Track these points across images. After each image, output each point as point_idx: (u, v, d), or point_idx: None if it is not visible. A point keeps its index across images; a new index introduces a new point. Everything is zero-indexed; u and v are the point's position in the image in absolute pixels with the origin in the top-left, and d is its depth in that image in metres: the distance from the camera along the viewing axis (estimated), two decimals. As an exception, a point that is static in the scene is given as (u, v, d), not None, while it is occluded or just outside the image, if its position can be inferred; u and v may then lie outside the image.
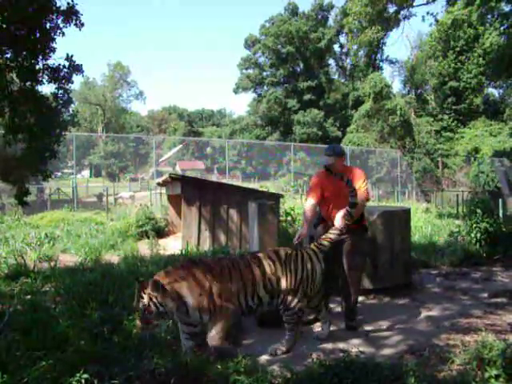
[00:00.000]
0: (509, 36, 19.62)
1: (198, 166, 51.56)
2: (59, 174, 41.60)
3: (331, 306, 5.21)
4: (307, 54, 48.82)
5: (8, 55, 6.00)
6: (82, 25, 6.18)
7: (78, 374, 3.15)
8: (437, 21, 33.61)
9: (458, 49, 36.55)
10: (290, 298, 3.99)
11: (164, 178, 11.51)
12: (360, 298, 5.11)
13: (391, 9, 23.07)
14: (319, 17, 50.90)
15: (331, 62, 53.48)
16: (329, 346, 4.22)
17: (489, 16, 20.80)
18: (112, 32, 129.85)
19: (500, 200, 12.73)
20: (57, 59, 6.13)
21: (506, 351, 3.40)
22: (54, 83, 6.16)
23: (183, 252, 7.95)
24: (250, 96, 54.59)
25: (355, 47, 47.25)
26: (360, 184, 4.54)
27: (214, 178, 35.11)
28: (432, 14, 25.18)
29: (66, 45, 6.43)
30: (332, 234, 4.27)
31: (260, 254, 4.12)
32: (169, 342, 3.98)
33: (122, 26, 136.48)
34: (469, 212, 8.59)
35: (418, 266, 7.25)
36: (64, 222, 13.78)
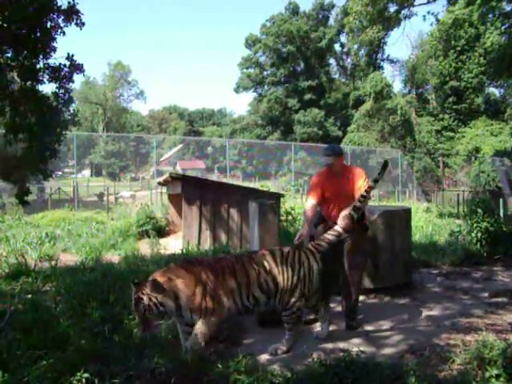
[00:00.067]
0: (510, 35, 19.62)
1: (198, 166, 51.61)
2: (60, 173, 41.61)
3: (332, 305, 5.20)
4: (308, 54, 48.83)
5: (9, 54, 6.01)
6: (83, 24, 6.18)
7: (78, 373, 3.15)
8: (438, 20, 33.61)
9: (458, 48, 36.55)
10: (287, 297, 3.98)
11: (164, 177, 11.51)
12: (360, 298, 5.11)
13: (392, 8, 23.07)
14: (320, 16, 50.94)
15: (332, 61, 53.58)
16: (329, 345, 4.22)
17: (490, 15, 20.77)
18: (113, 31, 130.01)
19: (501, 199, 12.73)
20: (57, 58, 6.15)
21: (507, 351, 3.40)
22: (55, 82, 6.17)
23: (184, 251, 7.95)
24: (250, 95, 54.95)
25: (356, 47, 47.33)
26: (361, 183, 4.53)
27: (214, 177, 35.08)
28: (433, 14, 25.20)
29: (67, 44, 6.43)
30: (330, 235, 4.26)
31: (256, 255, 4.11)
32: (169, 342, 3.98)
33: (123, 25, 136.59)
34: (469, 211, 8.58)
35: (418, 265, 7.24)
36: (65, 222, 13.80)
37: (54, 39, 6.06)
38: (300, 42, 48.02)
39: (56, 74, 6.10)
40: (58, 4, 6.04)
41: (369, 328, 4.71)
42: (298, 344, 4.12)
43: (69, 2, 6.03)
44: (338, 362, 3.47)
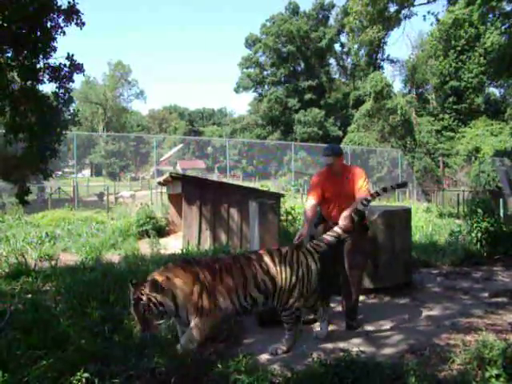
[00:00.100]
0: (510, 35, 19.62)
1: (198, 166, 51.62)
2: (60, 173, 41.63)
3: (332, 305, 5.21)
4: (308, 54, 48.84)
5: (9, 54, 6.01)
6: (83, 24, 6.18)
7: (78, 373, 3.15)
8: (438, 20, 33.59)
9: (458, 48, 36.55)
10: (285, 298, 3.98)
11: (165, 177, 11.51)
12: (360, 298, 5.11)
13: (392, 8, 23.07)
14: (320, 16, 50.96)
15: (332, 61, 53.60)
16: (329, 345, 4.22)
17: (490, 15, 20.78)
18: (113, 31, 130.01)
19: (501, 199, 12.71)
20: (58, 58, 6.14)
21: (507, 351, 3.40)
22: (55, 82, 6.16)
23: (184, 251, 7.95)
24: (250, 95, 55.00)
25: (356, 46, 47.38)
26: (361, 183, 4.53)
27: (214, 177, 35.08)
28: (433, 14, 25.22)
29: (67, 44, 6.43)
30: (329, 236, 4.26)
31: (254, 255, 4.10)
32: (169, 342, 3.98)
33: (123, 25, 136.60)
34: (469, 211, 8.57)
35: (418, 265, 7.24)
36: (65, 221, 13.80)
37: (54, 39, 6.05)
38: (300, 42, 48.02)
39: (56, 73, 6.09)
40: (58, 4, 6.04)
41: (369, 328, 4.71)
42: (297, 344, 4.12)
43: (69, 2, 6.03)
44: (338, 361, 3.47)
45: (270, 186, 17.60)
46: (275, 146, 40.62)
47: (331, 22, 51.51)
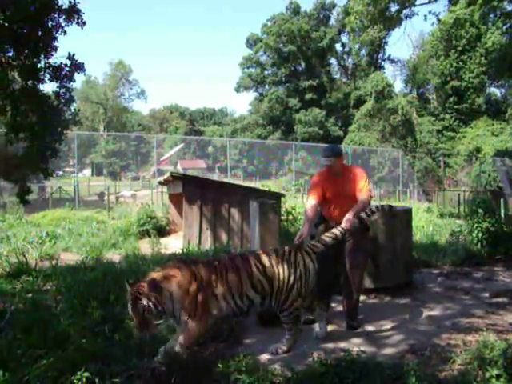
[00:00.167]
0: (511, 35, 19.60)
1: (199, 165, 51.64)
2: (61, 172, 41.70)
3: (332, 305, 5.20)
4: (309, 53, 48.83)
5: (10, 53, 6.02)
6: (84, 23, 6.19)
7: (79, 373, 3.15)
8: (439, 20, 33.56)
9: (459, 48, 36.52)
10: (283, 298, 3.97)
11: (165, 176, 11.52)
12: (361, 298, 5.10)
13: (393, 8, 23.05)
14: (321, 16, 50.97)
15: (333, 61, 53.61)
16: (330, 345, 4.21)
17: (491, 15, 20.78)
18: (114, 31, 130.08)
19: (502, 200, 12.71)
20: (59, 58, 6.16)
21: (508, 351, 3.40)
22: (56, 82, 6.18)
23: (184, 251, 7.95)
24: (251, 95, 54.96)
25: (357, 46, 47.39)
26: (362, 184, 4.53)
27: (215, 176, 35.09)
28: (434, 14, 25.23)
29: (68, 43, 6.43)
30: (327, 237, 4.27)
31: (251, 255, 4.08)
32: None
33: (124, 25, 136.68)
34: (470, 212, 8.57)
35: (419, 265, 7.23)
36: (65, 221, 13.80)
37: (55, 38, 6.07)
38: (301, 42, 48.01)
39: (57, 73, 6.11)
40: (59, 3, 6.05)
41: (369, 328, 4.71)
42: (298, 344, 4.11)
43: (70, 2, 6.04)
44: (338, 361, 3.47)
45: (271, 185, 17.57)
46: (276, 145, 40.63)
47: (332, 21, 51.58)
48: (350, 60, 53.47)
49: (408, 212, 6.18)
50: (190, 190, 9.76)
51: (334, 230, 4.30)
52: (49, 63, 6.09)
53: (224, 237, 9.78)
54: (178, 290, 3.54)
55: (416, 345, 4.17)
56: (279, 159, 41.27)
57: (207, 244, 9.49)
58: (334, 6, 50.50)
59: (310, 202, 4.59)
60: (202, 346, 3.99)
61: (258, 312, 4.52)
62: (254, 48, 51.53)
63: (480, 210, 8.04)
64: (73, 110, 6.75)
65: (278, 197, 9.79)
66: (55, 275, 6.16)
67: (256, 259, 3.98)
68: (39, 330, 3.99)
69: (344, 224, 4.26)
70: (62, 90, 6.25)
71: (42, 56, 6.04)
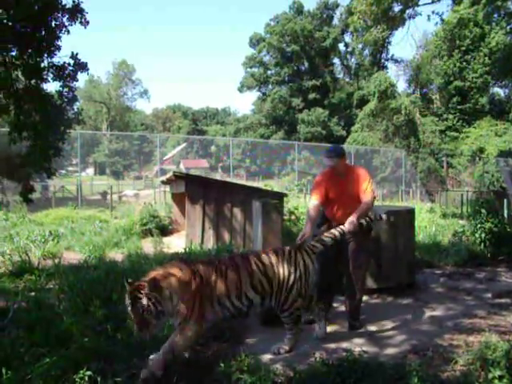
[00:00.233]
0: (515, 35, 19.56)
1: (202, 165, 51.68)
2: (64, 171, 41.78)
3: (335, 305, 5.21)
4: (312, 53, 48.79)
5: (13, 53, 6.03)
6: (87, 23, 6.20)
7: (81, 371, 3.16)
8: (442, 20, 33.54)
9: (463, 48, 36.37)
10: (283, 298, 3.97)
11: (168, 176, 11.53)
12: (364, 298, 5.10)
13: (396, 8, 23.05)
14: (324, 15, 50.90)
15: (336, 61, 53.51)
16: (332, 345, 4.22)
17: (495, 15, 20.75)
18: (117, 30, 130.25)
19: (505, 200, 12.67)
20: (62, 57, 6.17)
21: (510, 352, 3.39)
22: (59, 81, 6.19)
23: (187, 250, 7.95)
24: (254, 95, 54.95)
25: (360, 46, 47.34)
26: (366, 185, 4.52)
27: (218, 176, 35.14)
28: (437, 13, 25.24)
29: (71, 43, 6.45)
30: (326, 238, 4.27)
31: (251, 255, 4.07)
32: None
33: (127, 24, 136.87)
34: (473, 212, 8.55)
35: (421, 265, 7.23)
36: (68, 220, 13.82)
37: (58, 38, 6.08)
38: (304, 42, 47.96)
39: (60, 72, 6.11)
40: (63, 3, 6.06)
41: (372, 328, 4.71)
42: (300, 343, 4.12)
43: (73, 1, 6.05)
44: (340, 361, 3.47)
45: (274, 185, 17.59)
46: (279, 145, 40.60)
47: (335, 21, 51.48)
48: (353, 60, 53.41)
49: (411, 212, 6.18)
50: (193, 189, 9.76)
51: (333, 231, 4.31)
52: (52, 62, 6.11)
53: (227, 236, 9.78)
54: (177, 290, 3.50)
55: (418, 345, 4.17)
56: (282, 159, 41.24)
57: (210, 243, 9.50)
58: (338, 5, 50.47)
59: (313, 202, 4.60)
60: (203, 346, 4.00)
61: (259, 312, 4.53)
62: (257, 48, 51.51)
63: (483, 211, 8.03)
64: (76, 110, 6.76)
65: (280, 196, 9.78)
66: (58, 274, 6.17)
67: (256, 259, 3.97)
68: (42, 328, 4.00)
69: (347, 226, 4.27)
70: (65, 90, 6.26)
71: (46, 55, 6.05)
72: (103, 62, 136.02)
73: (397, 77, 51.17)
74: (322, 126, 45.46)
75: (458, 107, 37.63)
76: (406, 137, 34.42)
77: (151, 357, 3.51)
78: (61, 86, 6.23)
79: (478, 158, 31.23)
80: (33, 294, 5.39)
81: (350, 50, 52.44)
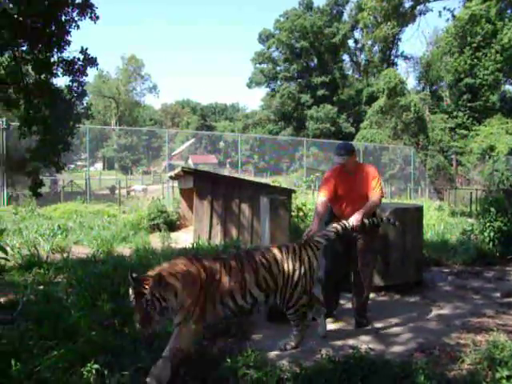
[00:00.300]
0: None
1: (210, 160, 51.72)
2: (72, 166, 41.98)
3: (341, 302, 5.20)
4: (321, 49, 48.60)
5: (24, 48, 6.06)
6: (97, 18, 6.21)
7: (88, 364, 3.19)
8: (454, 16, 33.24)
9: (474, 45, 36.03)
10: (288, 295, 3.97)
11: (176, 171, 11.55)
12: (371, 295, 5.09)
13: (407, 4, 22.91)
14: (334, 12, 50.66)
15: (345, 57, 53.29)
16: (338, 342, 4.22)
17: (508, 11, 20.52)
18: (126, 25, 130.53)
19: (514, 199, 12.56)
20: (71, 52, 6.19)
21: (518, 352, 3.38)
22: (69, 76, 6.21)
23: (195, 246, 7.98)
24: (263, 91, 54.85)
25: (370, 42, 47.08)
26: (374, 184, 4.52)
27: (226, 172, 35.16)
28: (449, 10, 25.02)
29: (81, 38, 6.47)
30: (329, 232, 4.27)
31: (256, 252, 4.05)
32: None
33: (137, 19, 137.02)
34: (482, 210, 8.49)
35: (429, 263, 7.21)
36: (77, 214, 13.91)
37: (68, 33, 6.10)
38: (313, 38, 47.78)
39: (70, 67, 6.14)
40: (73, -2, 6.07)
41: (378, 325, 4.70)
42: (306, 340, 4.12)
43: (83, -4, 6.06)
44: (346, 358, 3.47)
45: (282, 181, 17.51)
46: (287, 141, 40.53)
47: (345, 17, 51.23)
48: (362, 56, 53.13)
49: (419, 210, 6.15)
50: (201, 184, 9.78)
51: (335, 225, 4.32)
52: (62, 57, 6.13)
53: (234, 232, 9.80)
54: (182, 287, 3.46)
55: (425, 343, 4.16)
56: (290, 155, 41.16)
57: (217, 239, 9.52)
58: (347, 1, 50.23)
59: (321, 198, 4.59)
60: (210, 341, 4.01)
61: (265, 308, 4.53)
62: (266, 44, 51.38)
63: (492, 209, 7.97)
64: (85, 104, 6.79)
65: (288, 193, 9.77)
66: (66, 268, 6.22)
67: (261, 256, 3.96)
68: (50, 321, 4.04)
69: (351, 221, 4.27)
70: (75, 84, 6.28)
71: (55, 50, 6.07)
72: (112, 57, 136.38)
73: (406, 74, 50.99)
74: (331, 122, 45.33)
75: (468, 105, 37.32)
76: (415, 134, 34.22)
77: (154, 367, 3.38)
78: (70, 81, 6.26)
79: (487, 156, 30.96)
80: (41, 287, 5.43)
81: (359, 46, 52.21)
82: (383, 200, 4.82)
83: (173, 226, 11.82)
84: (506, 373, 3.21)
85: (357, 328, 4.64)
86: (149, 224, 11.52)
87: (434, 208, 17.33)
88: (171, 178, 13.99)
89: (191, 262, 3.65)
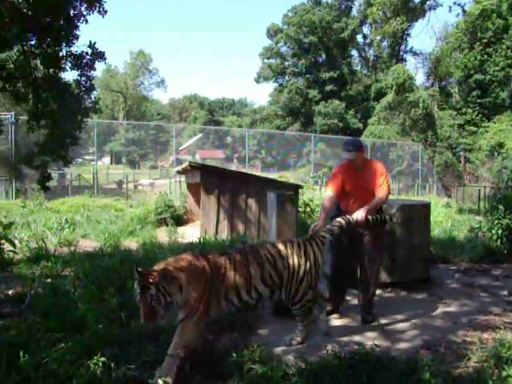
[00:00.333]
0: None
1: (217, 155, 51.71)
2: (80, 160, 42.13)
3: (347, 298, 5.20)
4: (330, 45, 48.38)
5: (33, 42, 6.08)
6: (105, 12, 6.22)
7: (95, 357, 3.21)
8: (464, 11, 32.97)
9: (485, 40, 35.73)
10: (293, 291, 3.96)
11: (184, 166, 11.57)
12: (377, 292, 5.08)
13: (417, -1, 22.68)
14: (343, 7, 50.40)
15: (354, 52, 52.98)
16: (344, 338, 4.22)
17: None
18: (134, 19, 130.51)
19: (523, 196, 12.46)
20: (80, 46, 6.21)
21: (525, 350, 3.36)
22: (77, 70, 6.24)
23: (201, 240, 8.00)
24: (271, 86, 54.67)
25: (379, 38, 46.78)
26: (382, 180, 4.50)
27: (233, 167, 35.17)
28: (459, 4, 24.82)
29: (89, 32, 6.49)
30: (333, 226, 4.26)
31: (261, 247, 4.04)
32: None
33: (144, 14, 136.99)
34: (491, 208, 8.44)
35: (436, 261, 7.17)
36: (84, 208, 13.99)
37: (76, 27, 6.12)
38: (322, 33, 47.56)
39: (78, 61, 6.16)
40: (82, -8, 6.09)
41: (384, 322, 4.70)
42: (311, 335, 4.12)
43: (92, -10, 6.07)
44: (352, 354, 3.47)
45: (289, 177, 17.50)
46: (295, 137, 40.42)
47: (354, 12, 50.93)
48: (371, 52, 52.79)
49: (426, 207, 6.12)
50: (208, 179, 9.79)
51: (339, 219, 4.31)
52: (70, 52, 6.15)
53: (241, 227, 9.80)
54: (187, 283, 3.43)
55: (431, 341, 4.15)
56: (298, 151, 41.05)
57: (224, 234, 9.53)
58: (357, -4, 49.88)
59: (328, 193, 4.58)
60: (215, 336, 4.02)
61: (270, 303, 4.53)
62: (274, 38, 51.20)
63: (501, 207, 7.91)
64: (93, 99, 6.82)
65: (295, 188, 9.74)
66: (74, 261, 6.25)
67: (266, 251, 3.94)
68: (57, 314, 4.07)
69: (355, 216, 4.27)
70: (83, 79, 6.31)
71: (64, 44, 6.10)
72: (120, 52, 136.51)
73: (415, 69, 50.71)
74: (339, 118, 45.18)
75: (478, 101, 37.07)
76: (424, 130, 34.05)
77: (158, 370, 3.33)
78: (78, 75, 6.28)
79: (496, 153, 30.75)
80: (49, 280, 5.47)
81: (368, 41, 51.86)
82: (390, 196, 4.80)
83: (180, 220, 11.85)
84: (512, 371, 3.20)
85: (363, 324, 4.63)
86: (156, 218, 11.56)
87: (442, 205, 17.26)
88: (178, 172, 14.02)
89: (197, 258, 3.64)
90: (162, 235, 9.64)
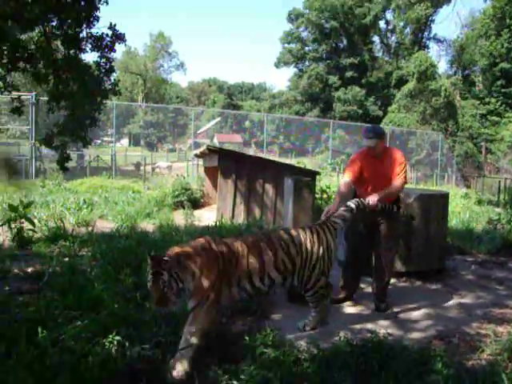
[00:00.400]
0: None
1: (235, 139, 51.64)
2: (99, 141, 42.50)
3: (362, 286, 5.19)
4: (351, 30, 47.63)
5: (53, 23, 6.10)
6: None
7: (110, 336, 3.27)
8: (492, -3, 31.99)
9: (513, 27, 34.72)
10: (306, 277, 3.95)
11: (202, 149, 11.59)
12: (391, 280, 5.07)
13: (443, -16, 22.13)
14: (366, -9, 49.41)
15: (376, 38, 52.02)
16: (357, 325, 4.22)
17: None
18: (156, 3, 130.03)
19: (545, 189, 12.26)
20: (100, 28, 6.20)
21: (540, 344, 3.33)
22: (97, 52, 6.24)
23: (217, 224, 8.04)
24: (291, 71, 54.34)
25: (402, 24, 45.94)
26: (399, 170, 4.46)
27: (251, 151, 35.12)
28: (487, -10, 24.03)
29: (109, 14, 6.48)
30: (344, 211, 4.23)
31: (274, 234, 4.03)
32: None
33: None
34: (510, 200, 8.32)
35: (453, 251, 7.11)
36: (102, 189, 14.16)
37: (97, 9, 6.11)
38: (344, 18, 46.81)
39: (98, 43, 6.16)
40: (103, -27, 6.07)
41: (398, 311, 4.69)
42: (324, 322, 4.14)
43: (113, -29, 6.05)
44: (364, 342, 3.48)
45: (307, 163, 17.43)
46: (313, 123, 40.13)
47: (377, -3, 49.94)
48: (393, 38, 51.81)
49: (444, 197, 6.05)
50: (226, 163, 9.81)
51: (349, 203, 4.29)
52: (91, 33, 6.15)
53: (257, 212, 9.83)
54: (200, 269, 3.40)
55: (444, 331, 4.13)
56: (316, 137, 40.79)
57: (240, 218, 9.57)
58: (381, -19, 48.89)
59: (345, 179, 4.56)
60: (229, 320, 4.06)
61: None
62: (295, 23, 50.60)
63: (521, 199, 7.79)
64: (112, 80, 6.82)
65: (313, 174, 9.71)
66: (91, 241, 6.35)
67: (279, 238, 3.92)
68: (74, 293, 4.14)
69: (367, 200, 4.25)
70: (103, 60, 6.31)
71: (84, 26, 6.09)
72: (140, 34, 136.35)
73: (438, 57, 49.80)
74: (359, 105, 44.69)
75: (502, 90, 36.23)
76: (444, 120, 33.52)
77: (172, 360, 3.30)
78: (98, 57, 6.29)
79: (519, 145, 30.16)
80: (66, 259, 5.57)
81: (390, 27, 50.87)
82: (408, 185, 4.76)
83: (196, 203, 11.91)
84: (526, 364, 3.18)
85: (376, 312, 4.63)
86: (173, 201, 11.64)
87: (461, 196, 17.03)
88: (196, 155, 14.07)
89: (210, 243, 3.61)
90: (179, 218, 9.71)
